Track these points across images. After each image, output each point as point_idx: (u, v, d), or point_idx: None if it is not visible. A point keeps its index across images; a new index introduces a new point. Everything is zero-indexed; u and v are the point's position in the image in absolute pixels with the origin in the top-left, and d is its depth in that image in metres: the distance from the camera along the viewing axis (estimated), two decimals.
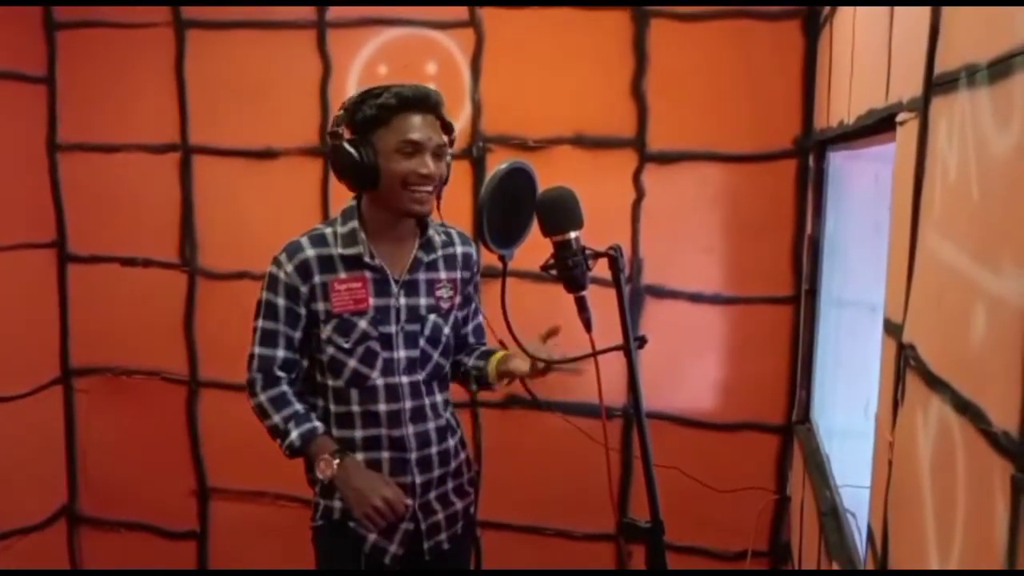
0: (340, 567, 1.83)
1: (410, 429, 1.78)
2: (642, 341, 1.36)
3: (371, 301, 1.73)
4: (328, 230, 1.77)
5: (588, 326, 1.39)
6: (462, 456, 1.91)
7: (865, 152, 2.00)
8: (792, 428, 2.56)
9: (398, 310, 1.76)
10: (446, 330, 1.83)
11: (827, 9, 2.25)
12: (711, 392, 2.65)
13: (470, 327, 1.93)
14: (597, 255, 1.37)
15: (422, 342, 1.79)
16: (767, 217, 2.54)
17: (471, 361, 1.89)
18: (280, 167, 2.81)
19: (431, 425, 1.81)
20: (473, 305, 1.92)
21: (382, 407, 1.76)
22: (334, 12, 2.71)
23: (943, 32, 1.03)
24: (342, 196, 1.83)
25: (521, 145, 2.63)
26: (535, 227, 1.41)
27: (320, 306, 1.73)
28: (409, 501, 1.76)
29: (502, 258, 1.49)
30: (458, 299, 1.85)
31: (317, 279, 1.73)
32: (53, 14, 2.91)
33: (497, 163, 1.51)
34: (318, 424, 1.75)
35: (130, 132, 2.91)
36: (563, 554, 2.79)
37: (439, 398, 1.85)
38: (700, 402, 2.66)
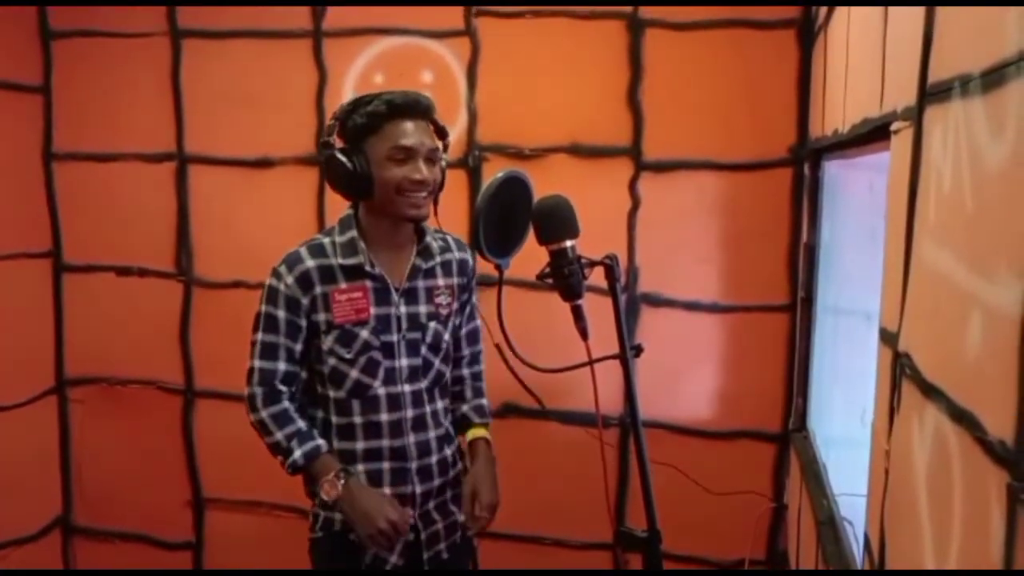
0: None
1: (411, 438, 1.77)
2: (638, 350, 1.37)
3: (372, 311, 1.73)
4: (326, 240, 1.76)
5: (584, 335, 1.40)
6: (459, 466, 1.90)
7: (860, 161, 2.01)
8: (789, 436, 2.56)
9: (399, 318, 1.75)
10: (446, 337, 1.83)
11: (822, 18, 2.26)
12: (707, 400, 2.66)
13: (463, 332, 1.92)
14: (593, 264, 1.37)
15: (424, 350, 1.78)
16: (763, 225, 2.54)
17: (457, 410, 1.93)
18: (276, 176, 2.81)
19: (432, 434, 1.81)
20: (468, 311, 1.92)
21: (384, 417, 1.75)
22: (330, 21, 2.72)
23: (936, 41, 1.04)
24: (338, 205, 1.82)
25: (517, 154, 2.64)
26: (531, 236, 1.41)
27: (321, 317, 1.72)
28: (411, 515, 1.76)
29: (498, 267, 1.49)
30: (455, 305, 1.85)
31: (318, 290, 1.72)
32: (49, 24, 2.91)
33: (493, 172, 1.52)
34: (321, 442, 1.73)
35: (126, 141, 2.91)
36: (560, 563, 2.78)
37: (440, 405, 1.84)
38: (696, 410, 2.66)
